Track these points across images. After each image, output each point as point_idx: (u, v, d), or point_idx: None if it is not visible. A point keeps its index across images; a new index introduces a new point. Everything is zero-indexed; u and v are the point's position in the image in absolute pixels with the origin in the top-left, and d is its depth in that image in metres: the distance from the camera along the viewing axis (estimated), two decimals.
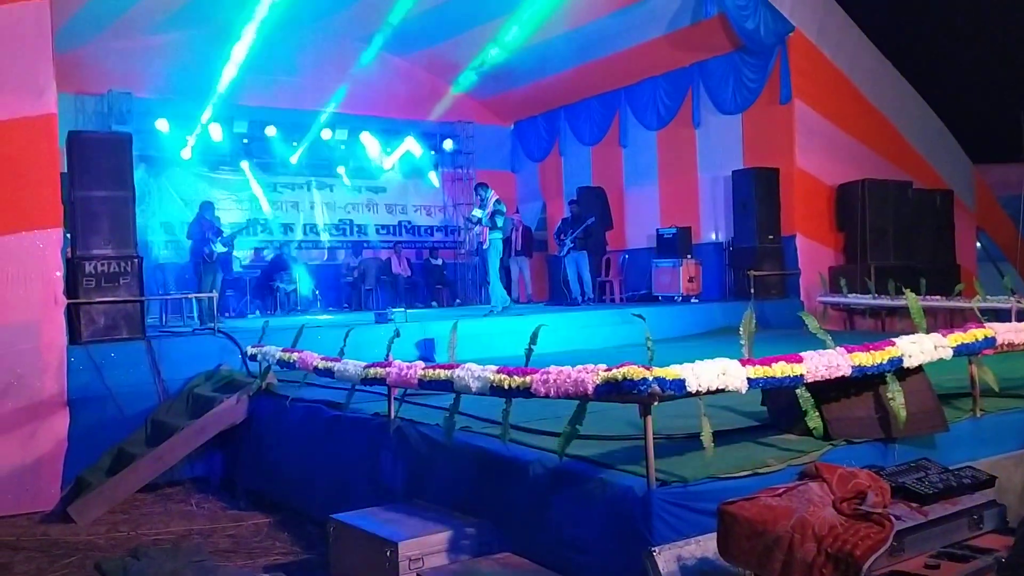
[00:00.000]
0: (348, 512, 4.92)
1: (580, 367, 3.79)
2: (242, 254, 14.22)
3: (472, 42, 14.53)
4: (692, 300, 12.76)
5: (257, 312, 13.37)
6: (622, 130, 15.35)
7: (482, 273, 12.59)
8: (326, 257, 16.02)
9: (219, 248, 11.43)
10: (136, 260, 8.31)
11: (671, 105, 14.35)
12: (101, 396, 7.66)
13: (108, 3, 11.76)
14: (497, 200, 11.41)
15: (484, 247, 11.32)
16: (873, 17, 13.36)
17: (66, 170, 8.20)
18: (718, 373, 3.62)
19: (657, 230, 13.83)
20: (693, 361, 3.70)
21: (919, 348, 4.34)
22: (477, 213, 11.35)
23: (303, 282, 14.45)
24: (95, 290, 8.03)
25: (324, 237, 15.94)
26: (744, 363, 3.76)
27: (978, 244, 15.82)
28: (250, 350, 7.62)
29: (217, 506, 7.19)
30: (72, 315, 7.85)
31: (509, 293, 16.20)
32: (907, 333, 4.49)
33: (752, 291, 12.03)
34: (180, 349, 8.38)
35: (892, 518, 2.97)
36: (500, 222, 11.41)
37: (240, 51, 12.95)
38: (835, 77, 12.79)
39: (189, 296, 11.61)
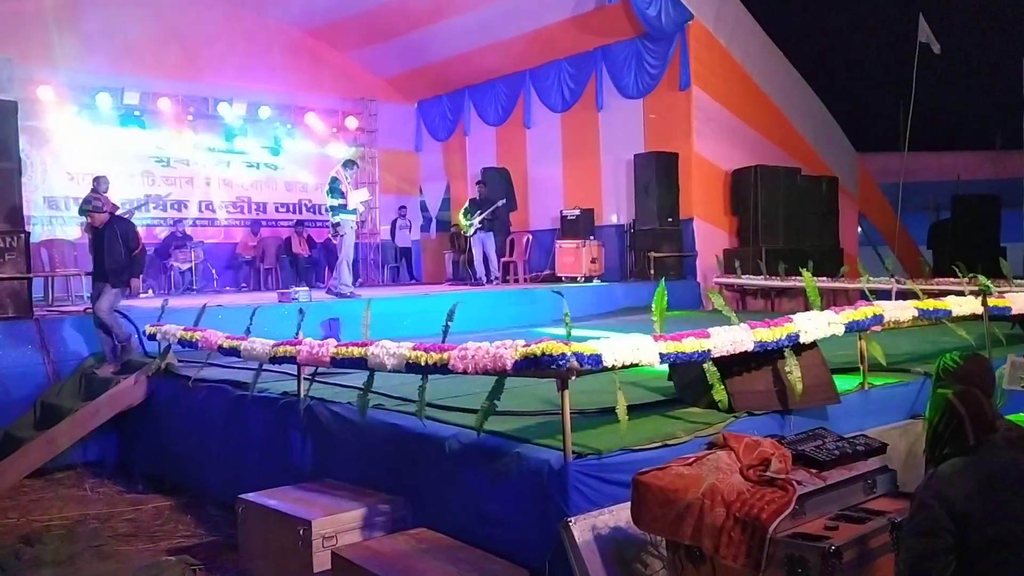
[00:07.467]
0: (257, 492, 4.85)
1: (498, 343, 3.84)
2: None
3: (378, 17, 14.32)
4: (594, 281, 13.00)
5: (151, 292, 12.85)
6: (527, 112, 15.41)
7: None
8: (223, 236, 15.54)
9: None
10: (23, 235, 7.96)
11: (575, 88, 14.49)
12: None
13: None
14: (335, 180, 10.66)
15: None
16: (767, 8, 13.81)
17: None
18: (633, 348, 3.74)
19: (561, 211, 13.99)
20: (598, 339, 3.80)
21: (814, 324, 4.60)
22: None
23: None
24: None
25: (220, 215, 15.47)
26: (656, 339, 3.90)
27: (859, 229, 16.67)
28: (148, 329, 7.37)
29: (113, 490, 6.95)
30: None
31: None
32: (796, 312, 4.76)
33: (652, 272, 12.36)
34: (71, 329, 8.05)
35: (794, 483, 3.15)
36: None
37: (134, 19, 12.38)
38: (730, 65, 13.17)
39: (82, 274, 11.09)
